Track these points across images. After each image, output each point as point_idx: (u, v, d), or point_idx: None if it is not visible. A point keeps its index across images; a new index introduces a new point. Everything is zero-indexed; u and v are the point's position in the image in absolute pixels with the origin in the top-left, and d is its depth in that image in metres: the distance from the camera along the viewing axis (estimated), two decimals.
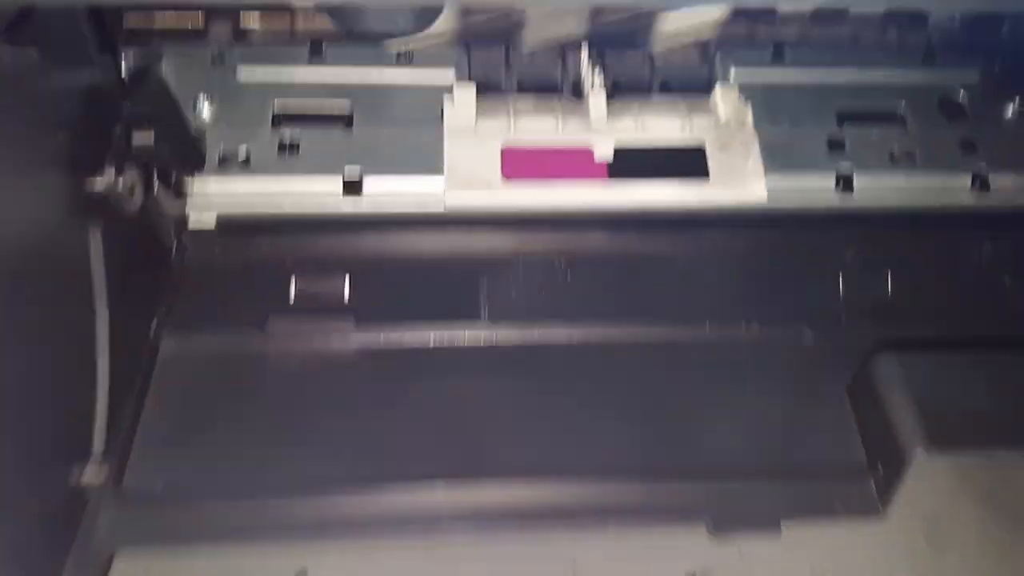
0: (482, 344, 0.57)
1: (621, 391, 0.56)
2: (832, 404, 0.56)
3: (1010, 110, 0.71)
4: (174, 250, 0.58)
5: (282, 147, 0.63)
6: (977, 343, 0.56)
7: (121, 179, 0.50)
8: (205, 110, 0.63)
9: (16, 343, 0.41)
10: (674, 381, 0.56)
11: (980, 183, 0.67)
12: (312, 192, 0.62)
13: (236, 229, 0.59)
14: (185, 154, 0.58)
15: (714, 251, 0.64)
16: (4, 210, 0.41)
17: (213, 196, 0.61)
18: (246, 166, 0.62)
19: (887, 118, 0.70)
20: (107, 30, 0.52)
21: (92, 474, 0.47)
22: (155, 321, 0.55)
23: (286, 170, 0.62)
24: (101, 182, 0.49)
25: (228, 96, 0.64)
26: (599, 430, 0.53)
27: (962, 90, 0.71)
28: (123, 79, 0.54)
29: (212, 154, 0.62)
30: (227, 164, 0.62)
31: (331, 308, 0.57)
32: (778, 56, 0.72)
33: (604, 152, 0.65)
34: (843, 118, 0.69)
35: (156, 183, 0.54)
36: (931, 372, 0.53)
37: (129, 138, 0.50)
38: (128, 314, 0.51)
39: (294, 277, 0.58)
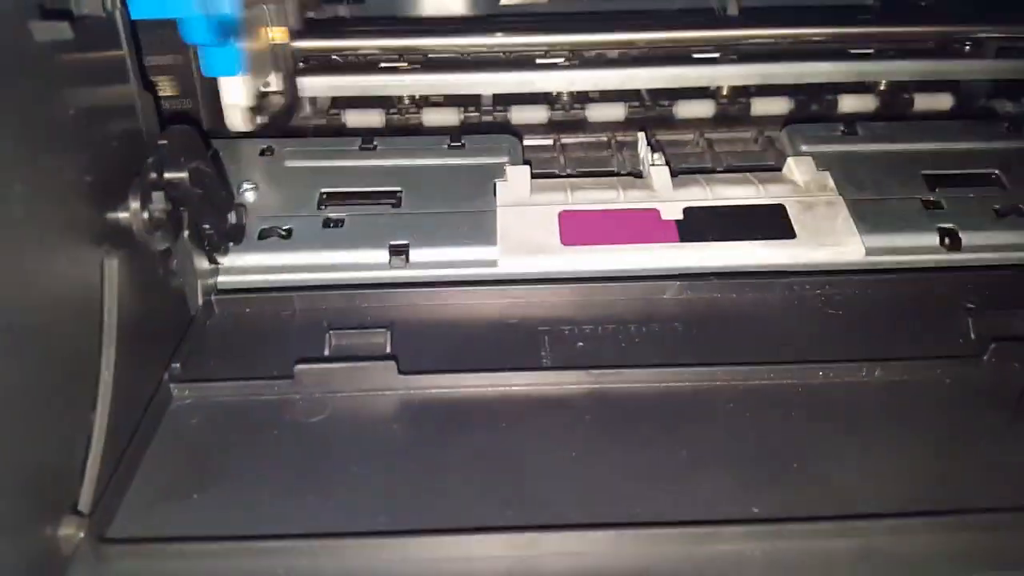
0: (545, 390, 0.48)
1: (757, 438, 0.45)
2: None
3: None
4: (199, 310, 0.53)
5: (327, 223, 0.59)
6: None
7: (146, 213, 0.45)
8: (249, 193, 0.61)
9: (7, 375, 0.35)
10: (796, 430, 0.45)
11: None
12: (355, 263, 0.57)
13: (270, 293, 0.54)
14: (222, 220, 0.55)
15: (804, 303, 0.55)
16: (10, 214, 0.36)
17: (248, 267, 0.56)
18: (287, 240, 0.58)
19: (981, 180, 0.64)
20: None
21: (74, 526, 0.38)
22: (168, 370, 0.48)
23: (329, 244, 0.58)
24: (124, 211, 0.45)
25: (274, 180, 0.62)
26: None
27: None
28: (162, 114, 0.52)
29: (253, 230, 0.58)
30: (267, 238, 0.58)
31: (370, 356, 0.49)
32: (850, 131, 0.68)
33: (673, 213, 0.59)
34: (933, 182, 0.63)
35: (186, 230, 0.50)
36: None
37: (161, 171, 0.47)
38: (138, 359, 0.45)
39: (330, 333, 0.50)
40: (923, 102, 0.77)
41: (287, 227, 0.59)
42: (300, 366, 0.47)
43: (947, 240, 0.59)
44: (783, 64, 0.74)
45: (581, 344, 0.51)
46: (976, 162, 0.66)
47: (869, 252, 0.58)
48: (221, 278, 0.56)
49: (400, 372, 0.47)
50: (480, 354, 0.50)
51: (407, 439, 0.45)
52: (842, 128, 0.68)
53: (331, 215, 0.60)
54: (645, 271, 0.57)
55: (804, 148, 0.66)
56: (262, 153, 0.64)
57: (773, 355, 0.49)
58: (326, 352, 0.50)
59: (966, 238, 0.59)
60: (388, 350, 0.50)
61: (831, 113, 0.76)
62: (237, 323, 0.53)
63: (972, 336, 0.51)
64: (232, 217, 0.56)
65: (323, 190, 0.61)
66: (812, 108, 0.76)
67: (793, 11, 0.85)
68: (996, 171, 0.64)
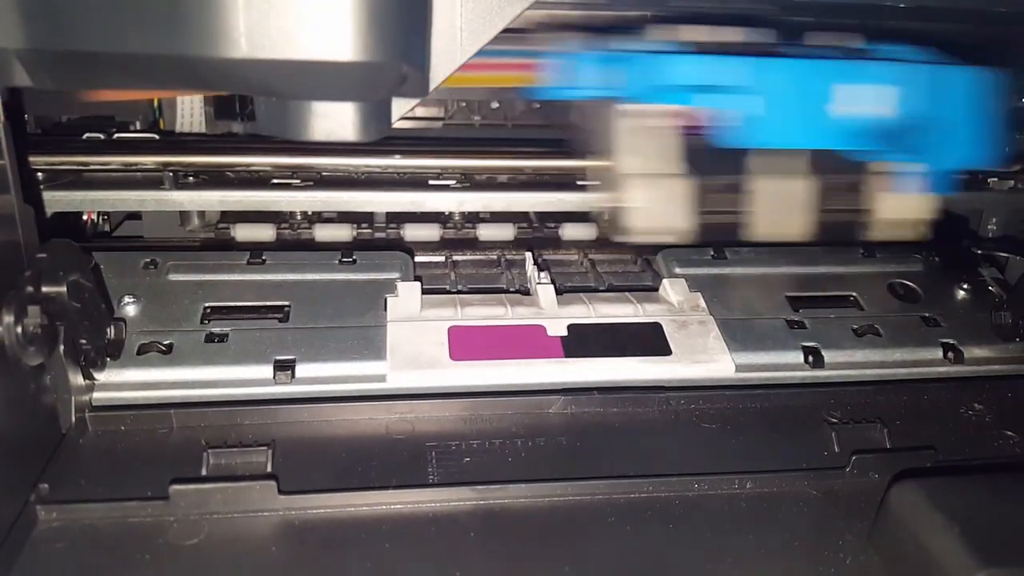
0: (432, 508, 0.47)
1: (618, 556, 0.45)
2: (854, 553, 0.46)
3: (959, 292, 0.72)
4: (72, 427, 0.50)
5: (210, 338, 0.58)
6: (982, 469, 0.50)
7: (20, 327, 0.44)
8: (129, 307, 0.59)
9: None
10: (676, 541, 0.46)
11: (954, 354, 0.65)
12: (238, 379, 0.56)
13: (147, 410, 0.52)
14: (99, 335, 0.53)
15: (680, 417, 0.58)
16: None
17: (125, 383, 0.54)
18: (167, 356, 0.56)
19: (840, 302, 0.70)
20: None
21: None
22: (35, 491, 0.44)
23: (211, 360, 0.56)
24: None
25: (157, 293, 0.61)
26: None
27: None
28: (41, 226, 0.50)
29: (132, 344, 0.56)
30: (146, 353, 0.56)
31: (249, 475, 0.47)
32: (719, 255, 0.73)
33: (558, 330, 0.62)
34: (796, 303, 0.68)
35: (61, 347, 0.48)
36: (958, 494, 0.45)
37: (38, 285, 0.46)
38: (2, 479, 0.42)
39: (208, 451, 0.48)
40: None
41: (168, 342, 0.57)
42: (175, 486, 0.45)
43: (811, 358, 0.63)
44: None
45: (468, 459, 0.51)
46: (835, 285, 0.72)
47: (739, 368, 0.61)
48: (96, 394, 0.53)
49: (280, 492, 0.46)
50: (365, 472, 0.49)
51: (287, 562, 0.43)
52: (712, 252, 0.73)
53: (215, 330, 0.58)
54: (532, 386, 0.58)
55: (678, 270, 0.71)
56: (145, 266, 0.63)
57: (653, 468, 0.51)
58: (203, 472, 0.48)
59: (828, 356, 0.63)
60: (269, 469, 0.48)
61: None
62: (111, 441, 0.50)
63: (835, 448, 0.54)
64: (111, 332, 0.55)
65: (207, 304, 0.60)
66: None
67: None
68: (853, 294, 0.70)
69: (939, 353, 0.65)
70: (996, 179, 0.83)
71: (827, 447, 0.55)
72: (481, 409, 0.56)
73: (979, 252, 0.77)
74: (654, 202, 0.62)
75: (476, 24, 0.44)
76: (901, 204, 0.65)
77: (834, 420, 0.58)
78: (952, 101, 0.61)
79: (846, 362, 0.64)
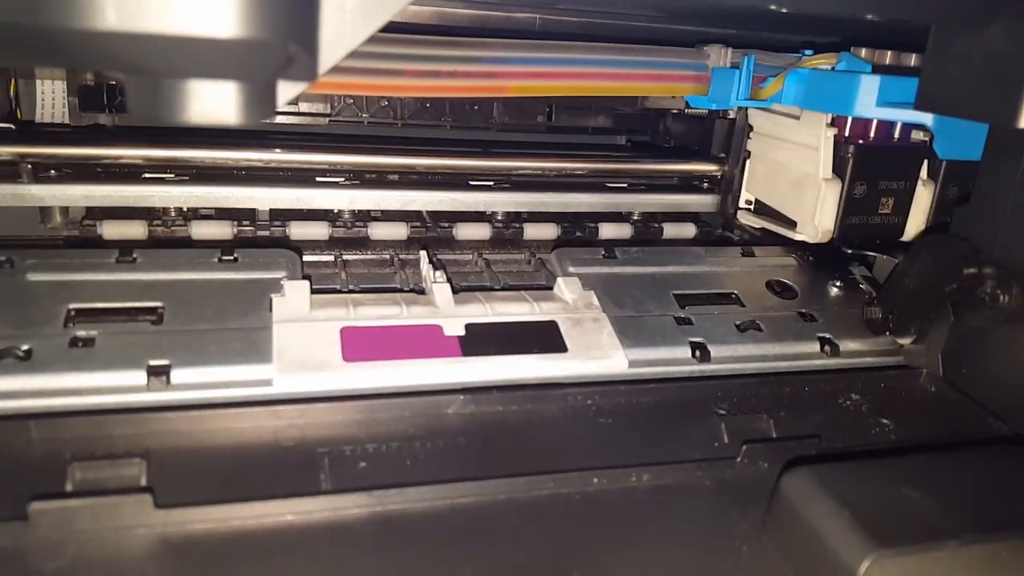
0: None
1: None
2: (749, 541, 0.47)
3: (832, 289, 0.75)
4: None
5: (75, 343, 0.53)
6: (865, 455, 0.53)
7: None
8: None
9: None
10: (578, 537, 0.46)
11: (830, 347, 0.68)
12: (107, 386, 0.51)
13: (3, 421, 0.47)
14: None
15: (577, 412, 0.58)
16: None
17: None
18: (25, 362, 0.51)
19: (723, 299, 0.72)
20: None
21: None
22: None
23: (76, 366, 0.52)
24: None
25: (13, 295, 0.55)
26: None
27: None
28: None
29: None
30: (1, 360, 0.51)
31: (121, 489, 0.43)
32: (610, 255, 0.74)
33: (455, 329, 0.60)
34: (682, 300, 0.70)
35: None
36: (845, 480, 0.46)
37: None
38: None
39: (73, 465, 0.44)
40: (671, 230, 0.86)
41: (26, 347, 0.52)
42: (36, 504, 0.41)
43: (698, 353, 0.65)
44: (550, 194, 0.80)
45: (363, 465, 0.49)
46: (718, 283, 0.74)
47: (631, 364, 0.62)
48: None
49: (157, 506, 0.42)
50: (251, 482, 0.46)
51: None
52: (603, 252, 0.74)
53: (80, 333, 0.54)
54: (429, 386, 0.57)
55: (571, 269, 0.71)
56: (0, 265, 0.57)
57: (552, 465, 0.50)
58: (68, 487, 0.43)
59: (714, 350, 0.65)
60: (143, 482, 0.45)
61: (593, 239, 0.83)
62: None
63: (725, 439, 0.56)
64: None
65: (71, 306, 0.56)
66: (577, 234, 0.83)
67: (560, 147, 0.93)
68: (735, 291, 0.72)
69: (816, 347, 0.69)
70: None
71: (717, 438, 0.56)
72: (376, 412, 0.54)
73: (849, 251, 0.81)
74: None
75: (366, 8, 0.42)
76: None
77: (722, 412, 0.59)
78: None
79: (731, 356, 0.66)
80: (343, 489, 0.46)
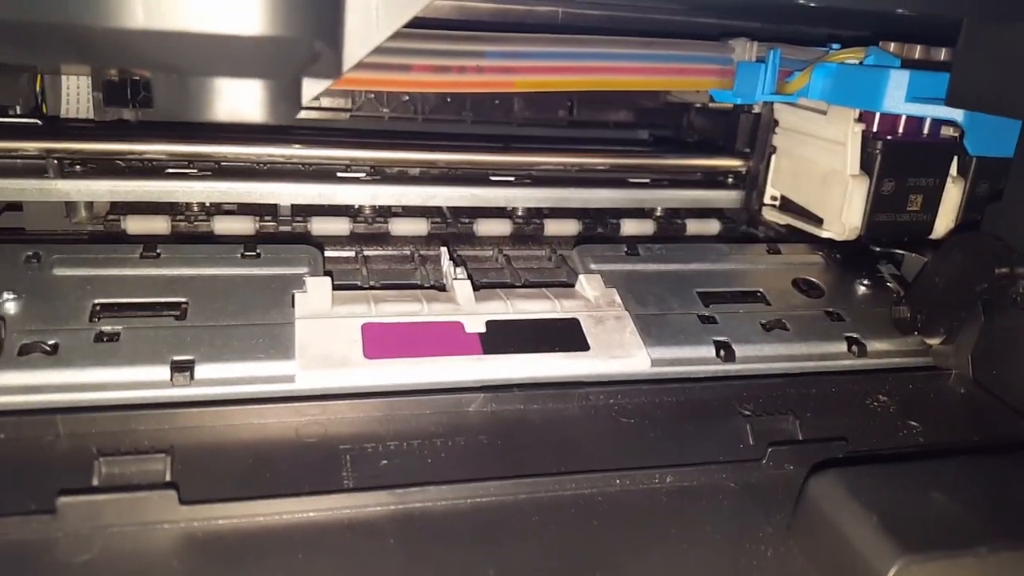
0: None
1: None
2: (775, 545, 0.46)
3: (860, 288, 0.74)
4: None
5: (100, 337, 0.53)
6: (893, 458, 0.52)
7: None
8: (9, 304, 0.54)
9: None
10: (600, 537, 0.45)
11: (857, 347, 0.67)
12: (131, 381, 0.52)
13: (30, 416, 0.47)
14: None
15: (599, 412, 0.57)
16: None
17: (5, 386, 0.49)
18: (51, 356, 0.51)
19: (748, 297, 0.71)
20: None
21: None
22: None
23: (101, 361, 0.52)
24: None
25: (40, 290, 0.56)
26: None
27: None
28: None
29: (12, 345, 0.51)
30: (28, 354, 0.51)
31: (146, 485, 0.43)
32: (632, 252, 0.73)
33: (476, 326, 0.60)
34: (706, 298, 0.69)
35: None
36: (873, 484, 0.46)
37: None
38: None
39: (100, 460, 0.44)
40: (695, 227, 0.85)
41: (52, 342, 0.52)
42: (63, 498, 0.41)
43: (722, 352, 0.64)
44: (572, 190, 0.79)
45: (385, 462, 0.49)
46: (742, 281, 0.73)
47: (654, 363, 0.61)
48: None
49: (181, 502, 0.42)
50: (274, 478, 0.46)
51: None
52: (626, 249, 0.73)
53: (105, 328, 0.54)
54: (450, 384, 0.56)
55: (593, 267, 0.71)
56: (27, 260, 0.58)
57: (574, 464, 0.50)
58: (95, 482, 0.44)
59: (739, 350, 0.64)
60: (168, 478, 0.45)
61: (615, 235, 0.82)
62: None
63: (750, 441, 0.55)
64: None
65: (97, 301, 0.56)
66: (598, 230, 0.82)
67: (582, 141, 0.92)
68: (760, 289, 0.72)
69: (843, 347, 0.68)
70: None
71: (742, 439, 0.56)
72: (398, 409, 0.54)
73: (877, 249, 0.80)
74: None
75: (392, 4, 0.42)
76: None
77: (747, 413, 0.59)
78: None
79: (756, 356, 0.65)
80: (365, 487, 0.46)
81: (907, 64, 0.69)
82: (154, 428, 0.49)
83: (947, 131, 0.71)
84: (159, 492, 0.42)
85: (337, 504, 0.45)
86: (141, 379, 0.52)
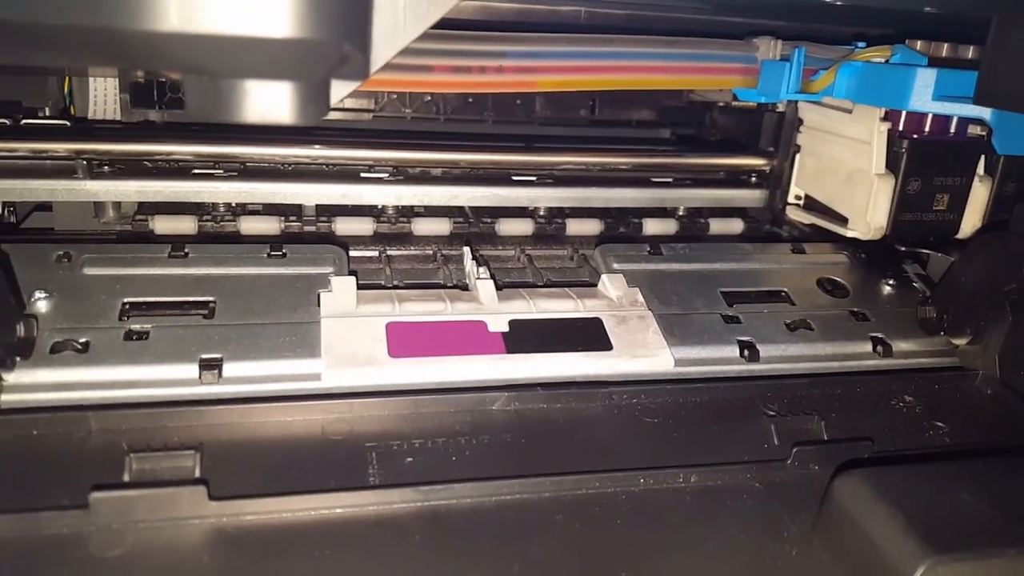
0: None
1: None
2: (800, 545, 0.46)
3: (885, 288, 0.74)
4: None
5: (129, 336, 0.54)
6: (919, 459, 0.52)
7: None
8: (41, 303, 0.55)
9: None
10: (624, 537, 0.45)
11: (882, 347, 0.66)
12: (161, 379, 0.52)
13: (62, 412, 0.48)
14: (8, 332, 0.49)
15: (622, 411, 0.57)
16: None
17: (38, 383, 0.50)
18: (83, 354, 0.52)
19: (772, 297, 0.71)
20: None
21: None
22: None
23: (131, 358, 0.53)
24: None
25: (71, 288, 0.57)
26: None
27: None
28: None
29: (44, 343, 0.52)
30: (60, 352, 0.52)
31: (177, 481, 0.44)
32: (655, 251, 0.73)
33: (499, 325, 0.60)
34: (730, 298, 0.69)
35: None
36: (899, 484, 0.45)
37: None
38: None
39: (131, 456, 0.45)
40: (718, 226, 0.85)
41: (84, 340, 0.53)
42: (96, 494, 0.42)
43: (746, 352, 0.64)
44: (594, 189, 0.79)
45: (410, 460, 0.49)
46: (766, 280, 0.73)
47: (678, 363, 0.61)
48: (5, 396, 0.49)
49: (211, 498, 0.43)
50: (302, 475, 0.47)
51: (220, 572, 0.40)
52: (648, 248, 0.73)
53: (134, 327, 0.55)
54: (474, 383, 0.57)
55: (616, 266, 0.71)
56: (58, 259, 0.59)
57: (597, 463, 0.50)
58: (126, 478, 0.44)
59: (763, 350, 0.64)
60: (197, 474, 0.45)
61: (637, 235, 0.82)
62: (23, 447, 0.46)
63: (775, 441, 0.55)
64: (20, 329, 0.51)
65: (126, 300, 0.57)
66: (620, 230, 0.82)
67: (604, 140, 0.92)
68: (784, 289, 0.71)
69: (868, 347, 0.67)
70: None
71: (767, 439, 0.55)
72: (422, 407, 0.54)
73: (902, 249, 0.79)
74: None
75: (419, 6, 0.42)
76: None
77: (772, 413, 0.58)
78: None
79: (780, 356, 0.65)
80: (391, 484, 0.46)
81: (934, 62, 0.68)
82: (183, 425, 0.50)
83: (974, 130, 0.70)
84: (189, 488, 0.43)
85: (364, 501, 0.45)
86: (170, 377, 0.52)
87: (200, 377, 0.53)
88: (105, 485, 0.42)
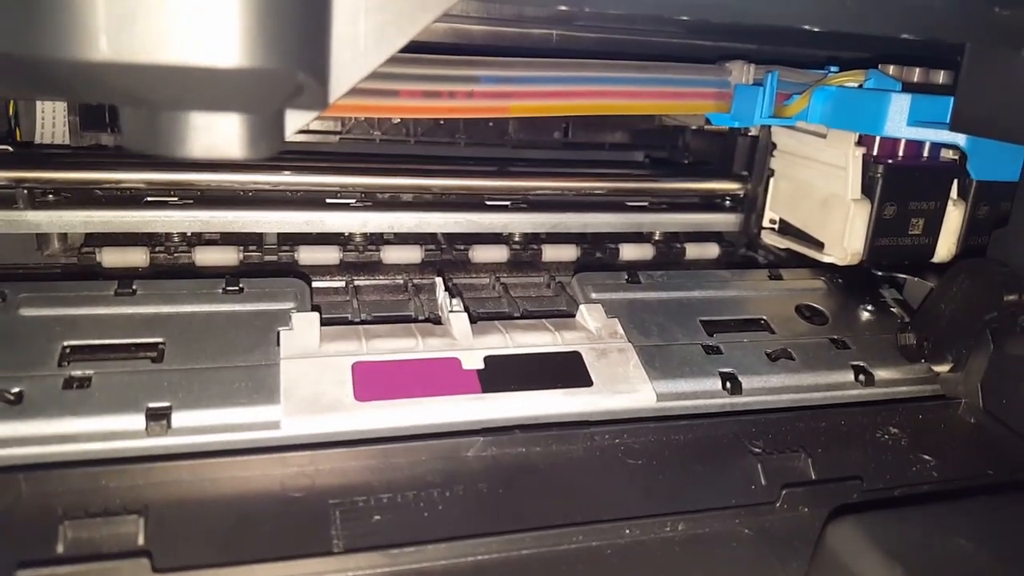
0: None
1: None
2: None
3: (864, 314, 0.72)
4: None
5: (69, 383, 0.50)
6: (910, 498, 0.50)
7: None
8: None
9: None
10: None
11: (864, 376, 0.65)
12: (103, 431, 0.48)
13: None
14: None
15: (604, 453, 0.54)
16: None
17: None
18: (15, 406, 0.48)
19: (751, 325, 0.69)
20: None
21: None
22: None
23: (70, 410, 0.48)
24: None
25: (5, 332, 0.52)
26: None
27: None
28: None
29: None
30: None
31: (116, 553, 0.40)
32: (633, 279, 0.70)
33: (473, 362, 0.57)
34: (710, 327, 0.67)
35: None
36: (894, 529, 0.43)
37: None
38: None
39: (65, 524, 0.41)
40: (694, 250, 0.83)
41: (16, 390, 0.49)
42: (23, 572, 0.38)
43: (728, 384, 0.61)
44: (569, 214, 0.77)
45: (378, 518, 0.45)
46: (745, 308, 0.71)
47: (660, 398, 0.59)
48: None
49: (155, 570, 0.39)
50: (257, 540, 0.43)
51: None
52: (626, 276, 0.71)
53: (75, 373, 0.51)
54: (447, 426, 0.53)
55: (594, 296, 0.68)
56: None
57: (580, 513, 0.47)
58: (60, 549, 0.40)
59: (745, 381, 0.62)
60: (141, 542, 0.41)
61: (614, 260, 0.79)
62: None
63: (763, 481, 0.52)
64: None
65: (66, 343, 0.52)
66: (597, 255, 0.80)
67: (577, 163, 0.90)
68: (764, 317, 0.69)
69: (850, 376, 0.65)
70: None
71: (754, 480, 0.53)
72: (391, 456, 0.50)
73: (879, 273, 0.77)
74: None
75: (382, 32, 0.39)
76: None
77: (758, 450, 0.56)
78: None
79: (763, 387, 0.62)
80: (356, 548, 0.43)
81: (907, 87, 0.67)
82: (126, 485, 0.45)
83: (947, 154, 0.69)
84: (130, 561, 0.39)
85: (326, 568, 0.41)
86: (113, 429, 0.48)
87: (147, 428, 0.48)
88: (33, 562, 0.38)
